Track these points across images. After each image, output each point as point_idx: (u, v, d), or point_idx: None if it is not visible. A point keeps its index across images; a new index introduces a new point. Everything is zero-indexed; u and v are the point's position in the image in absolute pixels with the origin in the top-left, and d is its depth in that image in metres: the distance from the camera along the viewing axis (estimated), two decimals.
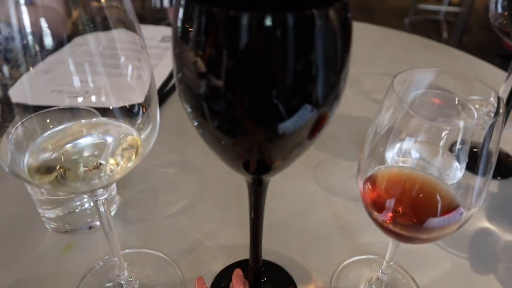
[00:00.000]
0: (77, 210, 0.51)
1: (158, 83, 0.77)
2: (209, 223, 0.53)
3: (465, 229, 0.53)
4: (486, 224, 0.54)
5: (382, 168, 0.38)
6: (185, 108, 0.26)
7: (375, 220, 0.37)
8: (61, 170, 0.32)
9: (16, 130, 0.34)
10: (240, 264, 0.47)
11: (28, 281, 0.46)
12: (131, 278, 0.45)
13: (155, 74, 0.79)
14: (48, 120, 0.36)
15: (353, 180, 0.60)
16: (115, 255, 0.41)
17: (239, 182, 0.56)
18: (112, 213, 0.54)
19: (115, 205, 0.54)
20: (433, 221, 0.35)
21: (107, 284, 0.45)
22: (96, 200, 0.35)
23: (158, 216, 0.54)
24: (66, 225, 0.51)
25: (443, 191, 0.36)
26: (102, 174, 0.32)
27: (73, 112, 0.38)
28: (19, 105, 0.34)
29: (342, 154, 0.65)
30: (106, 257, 0.48)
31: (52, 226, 0.52)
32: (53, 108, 0.38)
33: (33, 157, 0.32)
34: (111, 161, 0.33)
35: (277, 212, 0.55)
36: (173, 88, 0.79)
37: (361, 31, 1.08)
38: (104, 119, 0.35)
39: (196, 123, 0.27)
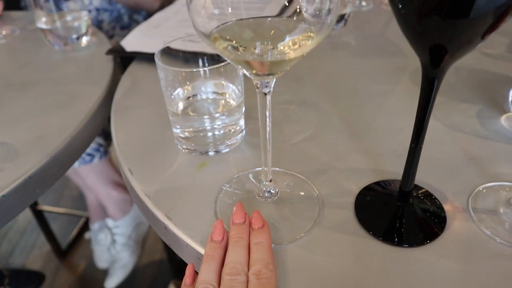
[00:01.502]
0: (209, 134, 0.53)
1: None
2: (336, 150, 0.54)
3: None
4: None
5: None
6: None
7: None
8: (237, 43, 0.35)
9: None
10: (381, 184, 0.48)
11: (170, 190, 0.49)
12: (274, 185, 0.47)
13: None
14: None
15: (475, 119, 0.59)
16: (267, 162, 0.43)
17: (360, 116, 0.56)
18: (240, 140, 0.56)
19: (243, 133, 0.57)
20: None
21: (248, 191, 0.47)
22: (265, 94, 0.37)
23: (285, 144, 0.56)
24: (195, 146, 0.54)
25: None
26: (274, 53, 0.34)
27: None
28: None
29: (459, 98, 0.64)
30: (241, 173, 0.51)
31: (183, 146, 0.55)
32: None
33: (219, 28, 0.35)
34: (283, 47, 0.35)
35: (400, 143, 0.55)
36: None
37: None
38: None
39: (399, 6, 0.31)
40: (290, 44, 0.36)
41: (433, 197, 0.46)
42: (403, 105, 0.62)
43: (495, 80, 0.66)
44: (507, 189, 0.47)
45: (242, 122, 0.56)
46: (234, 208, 0.42)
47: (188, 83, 0.54)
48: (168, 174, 0.52)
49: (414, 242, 0.42)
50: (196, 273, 0.40)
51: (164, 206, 0.47)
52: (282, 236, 0.43)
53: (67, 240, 1.63)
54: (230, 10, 0.35)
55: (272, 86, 0.38)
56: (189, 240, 0.44)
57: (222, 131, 0.54)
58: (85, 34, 0.84)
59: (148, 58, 0.77)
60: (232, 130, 0.55)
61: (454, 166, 0.51)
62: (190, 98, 0.56)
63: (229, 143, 0.55)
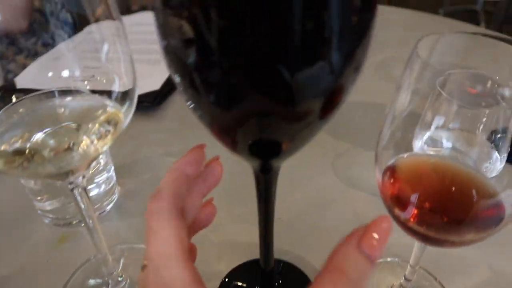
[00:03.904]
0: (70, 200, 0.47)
1: (164, 77, 0.72)
2: (215, 218, 0.48)
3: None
4: None
5: (405, 156, 0.33)
6: (174, 79, 0.22)
7: (397, 218, 0.31)
8: (28, 153, 0.28)
9: None
10: (251, 264, 0.42)
11: (17, 276, 0.43)
12: (121, 276, 0.40)
13: (161, 69, 0.74)
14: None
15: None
16: (101, 252, 0.37)
17: (252, 175, 0.51)
18: (111, 205, 0.50)
19: (114, 196, 0.50)
20: (467, 220, 0.29)
21: (97, 280, 0.41)
22: (72, 189, 0.31)
23: None
24: (62, 218, 0.48)
25: (480, 184, 0.30)
26: (74, 154, 0.28)
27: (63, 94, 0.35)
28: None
29: (366, 144, 0.58)
30: (93, 256, 0.44)
31: (48, 218, 0.48)
32: (39, 92, 0.36)
33: None
34: (84, 141, 0.29)
35: (289, 208, 0.49)
36: None
37: (392, 15, 1.01)
38: (80, 97, 0.31)
39: (188, 98, 0.22)
40: (94, 133, 0.30)
41: (306, 277, 0.41)
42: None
43: (408, 118, 0.61)
44: (391, 267, 0.42)
45: (111, 184, 0.50)
46: None
47: None
48: (22, 252, 0.45)
49: None
50: None
51: None
52: None
53: None
54: None
55: (84, 182, 0.32)
56: None
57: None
58: None
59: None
60: (98, 193, 0.48)
61: (340, 235, 0.46)
62: None
63: (96, 210, 0.49)
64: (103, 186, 0.49)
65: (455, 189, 0.30)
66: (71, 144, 0.29)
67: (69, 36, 0.31)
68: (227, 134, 0.24)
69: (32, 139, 0.29)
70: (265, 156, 0.25)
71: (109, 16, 0.30)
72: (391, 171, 0.32)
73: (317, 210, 0.49)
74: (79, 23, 0.30)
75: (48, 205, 0.47)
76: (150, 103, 0.64)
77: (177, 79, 0.21)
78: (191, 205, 0.28)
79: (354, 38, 0.19)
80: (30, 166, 0.27)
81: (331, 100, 0.21)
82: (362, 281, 0.21)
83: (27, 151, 0.28)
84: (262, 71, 0.18)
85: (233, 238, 0.46)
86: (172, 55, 0.20)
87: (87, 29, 0.30)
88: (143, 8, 1.16)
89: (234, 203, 0.50)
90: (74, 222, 0.48)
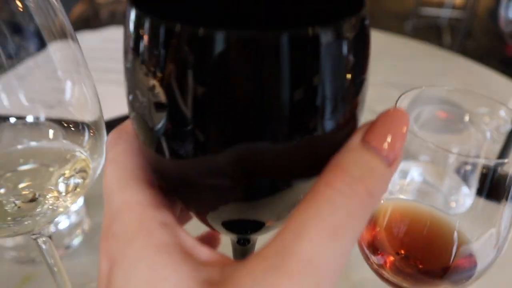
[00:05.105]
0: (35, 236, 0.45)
1: None
2: None
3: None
4: None
5: (383, 201, 0.33)
6: (140, 139, 0.19)
7: (374, 268, 0.31)
8: None
9: None
10: None
11: None
12: None
13: None
14: None
15: None
16: None
17: None
18: (79, 240, 0.48)
19: (83, 229, 0.49)
20: (443, 270, 0.29)
21: None
22: (36, 239, 0.29)
23: None
24: (26, 255, 0.45)
25: (455, 233, 0.30)
26: (39, 209, 0.27)
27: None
28: None
29: None
30: None
31: (10, 255, 0.46)
32: None
33: None
34: (51, 193, 0.27)
35: None
36: None
37: None
38: (45, 142, 0.29)
39: (152, 162, 0.19)
40: (62, 182, 0.28)
41: None
42: None
43: None
44: None
45: (80, 215, 0.48)
46: None
47: None
48: None
49: None
50: None
51: None
52: None
53: None
54: None
55: (50, 229, 0.30)
56: None
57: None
58: None
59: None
60: (68, 225, 0.46)
61: None
62: None
63: (64, 247, 0.47)
64: (72, 218, 0.47)
65: (433, 237, 0.30)
66: (35, 195, 0.27)
67: (36, 50, 0.29)
68: (193, 205, 0.21)
69: None
70: (243, 232, 0.23)
71: (66, 36, 0.28)
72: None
73: None
74: (45, 40, 0.29)
75: (10, 241, 0.45)
76: None
77: (141, 138, 0.18)
78: None
79: (348, 102, 0.17)
80: None
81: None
82: (370, 180, 0.16)
83: None
84: (242, 149, 0.16)
85: None
86: (138, 113, 0.17)
87: (49, 48, 0.29)
88: (112, 14, 1.14)
89: None
90: (38, 260, 0.46)
